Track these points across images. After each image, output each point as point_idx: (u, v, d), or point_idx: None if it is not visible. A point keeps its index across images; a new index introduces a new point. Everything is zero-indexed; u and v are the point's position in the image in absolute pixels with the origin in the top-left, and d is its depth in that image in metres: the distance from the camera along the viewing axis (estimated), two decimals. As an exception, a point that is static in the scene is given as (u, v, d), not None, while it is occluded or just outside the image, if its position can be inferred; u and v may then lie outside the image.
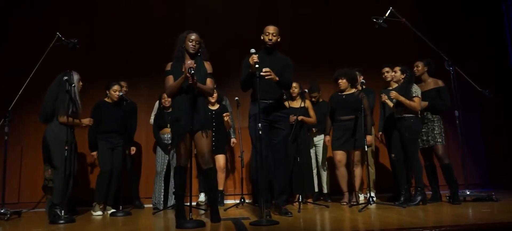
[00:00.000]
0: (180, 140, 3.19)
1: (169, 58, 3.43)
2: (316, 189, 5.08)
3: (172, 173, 4.77)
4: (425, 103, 4.32)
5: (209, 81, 3.33)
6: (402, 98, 4.11)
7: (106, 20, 6.04)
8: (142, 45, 6.06)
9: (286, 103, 4.84)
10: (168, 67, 3.36)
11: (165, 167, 4.85)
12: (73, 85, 3.95)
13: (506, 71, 6.24)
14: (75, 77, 4.04)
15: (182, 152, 3.21)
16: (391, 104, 4.32)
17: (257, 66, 3.24)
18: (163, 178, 4.83)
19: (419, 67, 4.51)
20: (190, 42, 3.30)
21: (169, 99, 4.84)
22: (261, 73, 3.26)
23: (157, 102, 5.10)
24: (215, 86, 5.23)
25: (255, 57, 3.27)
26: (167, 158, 4.83)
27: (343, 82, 4.48)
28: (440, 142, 4.24)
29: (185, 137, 3.18)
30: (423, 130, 4.35)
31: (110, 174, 4.39)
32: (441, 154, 4.23)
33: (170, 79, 3.29)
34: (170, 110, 4.87)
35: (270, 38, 3.58)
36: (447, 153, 4.35)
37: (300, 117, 4.61)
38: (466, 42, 6.32)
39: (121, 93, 4.50)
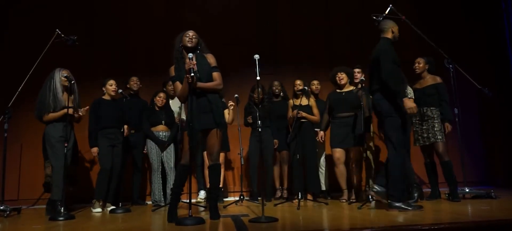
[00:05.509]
0: (192, 140, 3.14)
1: (167, 58, 3.40)
2: (323, 188, 5.07)
3: (167, 170, 4.82)
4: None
5: (216, 75, 3.28)
6: None
7: (105, 20, 6.03)
8: (141, 45, 6.04)
9: (290, 101, 4.85)
10: (172, 72, 3.32)
11: (160, 164, 4.86)
12: (72, 82, 3.98)
13: (505, 70, 6.24)
14: (57, 73, 4.05)
15: (191, 151, 3.21)
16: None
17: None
18: (160, 175, 4.84)
19: (421, 64, 4.48)
20: (187, 37, 3.28)
21: (164, 100, 4.89)
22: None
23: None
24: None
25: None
26: (161, 155, 4.84)
27: (344, 77, 4.49)
28: (440, 139, 4.24)
29: (199, 137, 3.20)
30: (423, 127, 4.36)
31: (111, 172, 4.39)
32: (441, 151, 4.24)
33: (178, 86, 3.26)
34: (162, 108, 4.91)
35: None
36: (447, 150, 4.35)
37: (302, 113, 4.60)
38: (465, 41, 6.32)
39: (120, 90, 4.50)
